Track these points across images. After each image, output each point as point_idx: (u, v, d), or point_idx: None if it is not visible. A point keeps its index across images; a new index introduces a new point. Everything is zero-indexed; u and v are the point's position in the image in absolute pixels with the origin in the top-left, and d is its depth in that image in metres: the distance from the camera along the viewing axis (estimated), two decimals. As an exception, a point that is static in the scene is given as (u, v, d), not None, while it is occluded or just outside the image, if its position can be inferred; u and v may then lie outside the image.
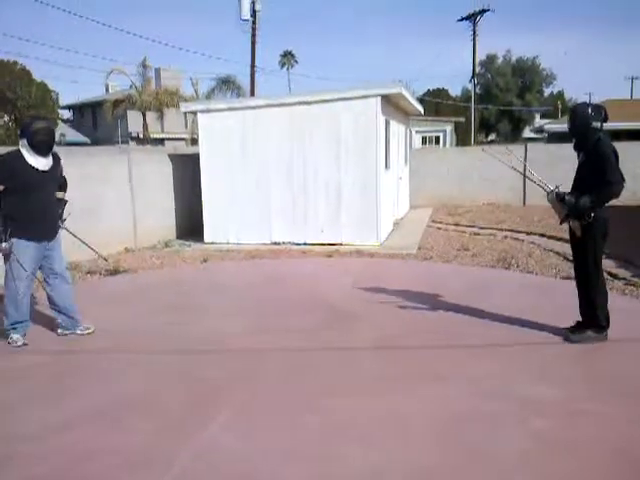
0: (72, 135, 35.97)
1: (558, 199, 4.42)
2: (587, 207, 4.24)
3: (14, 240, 4.50)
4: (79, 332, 4.93)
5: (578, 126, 4.39)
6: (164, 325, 5.24)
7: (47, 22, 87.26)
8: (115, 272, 7.65)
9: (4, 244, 4.45)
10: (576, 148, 4.53)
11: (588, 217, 4.29)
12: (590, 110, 4.34)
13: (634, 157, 13.74)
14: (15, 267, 4.56)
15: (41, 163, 4.56)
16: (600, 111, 4.34)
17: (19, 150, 4.53)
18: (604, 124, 4.39)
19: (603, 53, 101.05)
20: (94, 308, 5.77)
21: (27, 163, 4.50)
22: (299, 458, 2.95)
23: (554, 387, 3.73)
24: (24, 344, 4.66)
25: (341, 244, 9.38)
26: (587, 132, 4.34)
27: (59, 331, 4.93)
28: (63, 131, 35.33)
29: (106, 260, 6.17)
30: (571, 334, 4.58)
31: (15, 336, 4.67)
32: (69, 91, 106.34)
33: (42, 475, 2.84)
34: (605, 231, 4.39)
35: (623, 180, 4.19)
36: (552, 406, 3.47)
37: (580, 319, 4.64)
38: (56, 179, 4.77)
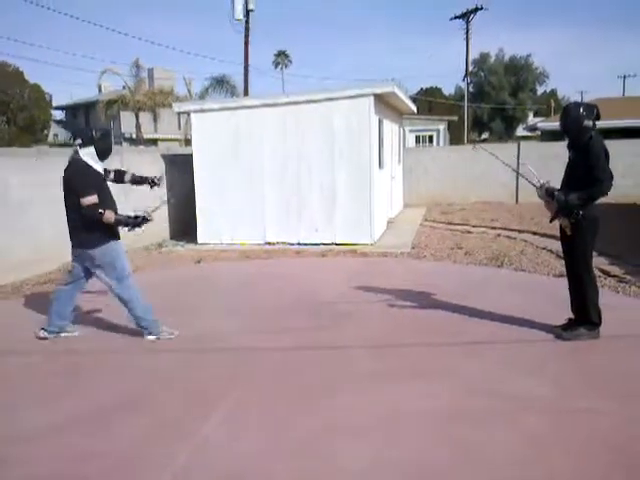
0: (65, 136, 35.85)
1: (548, 194, 4.43)
2: (575, 204, 4.26)
3: (112, 243, 4.65)
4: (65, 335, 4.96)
5: (570, 125, 4.40)
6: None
7: (38, 22, 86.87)
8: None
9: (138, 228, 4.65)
10: (569, 146, 4.56)
11: (577, 215, 4.31)
12: (582, 109, 4.34)
13: (625, 155, 13.87)
14: (123, 269, 4.71)
15: (101, 167, 4.69)
16: (592, 110, 4.34)
17: (81, 158, 4.55)
18: (597, 122, 4.41)
19: (596, 52, 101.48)
20: (88, 309, 5.76)
21: (94, 169, 4.61)
22: (294, 456, 2.95)
23: (547, 385, 3.75)
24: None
25: (335, 243, 9.39)
26: (579, 131, 4.34)
27: (62, 335, 4.89)
28: (56, 132, 35.24)
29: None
30: (563, 332, 4.60)
31: (164, 327, 4.88)
32: (62, 92, 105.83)
33: (36, 477, 2.84)
34: (595, 229, 4.41)
35: (612, 178, 4.22)
36: (545, 404, 3.49)
37: (572, 316, 4.67)
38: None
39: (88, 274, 4.84)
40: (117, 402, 3.65)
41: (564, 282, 4.86)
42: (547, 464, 2.83)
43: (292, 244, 9.58)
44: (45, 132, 33.07)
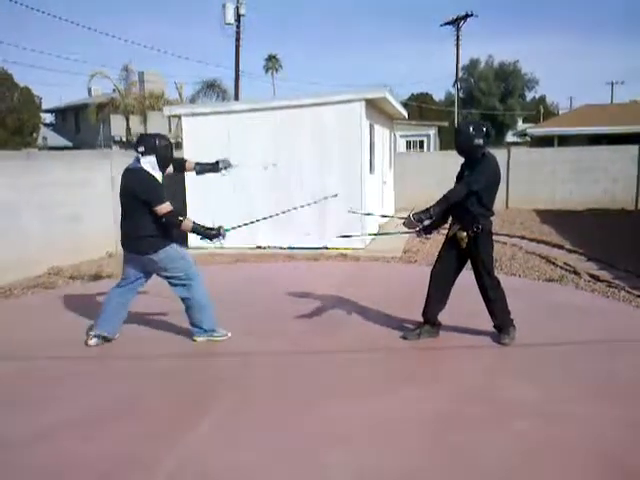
0: (54, 139, 35.64)
1: (416, 220, 4.47)
2: (435, 212, 4.42)
3: (173, 245, 4.65)
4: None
5: (462, 144, 4.52)
6: (147, 331, 5.19)
7: (28, 25, 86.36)
8: (97, 277, 7.56)
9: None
10: (464, 164, 4.68)
11: (477, 229, 4.42)
12: (472, 129, 4.46)
13: (615, 161, 13.95)
14: (189, 268, 4.76)
15: (160, 176, 4.63)
16: (481, 129, 4.47)
17: (142, 167, 4.50)
18: (488, 139, 4.51)
19: (584, 58, 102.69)
20: (77, 313, 5.71)
21: (156, 177, 4.59)
22: (286, 463, 2.93)
23: (535, 388, 3.76)
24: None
25: (326, 248, 9.37)
26: (470, 150, 4.48)
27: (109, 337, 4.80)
28: (45, 135, 34.99)
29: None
30: (501, 337, 4.59)
31: (220, 328, 4.87)
32: (51, 95, 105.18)
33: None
34: (492, 241, 4.59)
35: (486, 204, 4.53)
36: (533, 407, 3.49)
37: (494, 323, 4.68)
38: None
39: (145, 278, 4.88)
40: (106, 409, 3.60)
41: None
42: (537, 469, 2.83)
43: (283, 248, 9.55)
44: (34, 135, 32.82)
